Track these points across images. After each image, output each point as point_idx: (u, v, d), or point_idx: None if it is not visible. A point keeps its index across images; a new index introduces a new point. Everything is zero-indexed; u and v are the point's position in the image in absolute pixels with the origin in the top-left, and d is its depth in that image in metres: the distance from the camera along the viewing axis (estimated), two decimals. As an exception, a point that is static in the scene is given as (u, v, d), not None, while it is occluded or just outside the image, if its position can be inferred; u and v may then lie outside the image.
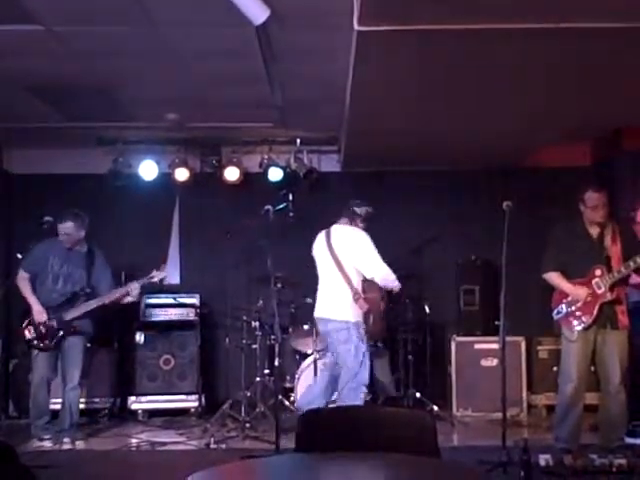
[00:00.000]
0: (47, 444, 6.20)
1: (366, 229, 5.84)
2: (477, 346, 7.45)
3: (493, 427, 6.27)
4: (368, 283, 5.71)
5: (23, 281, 6.29)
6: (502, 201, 5.28)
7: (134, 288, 6.37)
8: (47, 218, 6.33)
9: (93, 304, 6.29)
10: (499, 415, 5.42)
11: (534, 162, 7.96)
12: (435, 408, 7.04)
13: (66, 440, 6.26)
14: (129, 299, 6.43)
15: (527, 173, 8.05)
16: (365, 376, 5.66)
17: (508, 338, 5.51)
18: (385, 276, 5.72)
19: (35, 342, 6.22)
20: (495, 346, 7.09)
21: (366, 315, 5.63)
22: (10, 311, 7.67)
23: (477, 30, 4.48)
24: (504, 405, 5.25)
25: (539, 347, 7.46)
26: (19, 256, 6.26)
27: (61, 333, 6.23)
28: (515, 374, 7.13)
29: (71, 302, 6.29)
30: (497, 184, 7.76)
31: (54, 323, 6.21)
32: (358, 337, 5.63)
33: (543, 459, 4.95)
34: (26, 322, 6.23)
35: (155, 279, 6.47)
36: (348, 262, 5.72)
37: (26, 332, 6.21)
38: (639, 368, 6.01)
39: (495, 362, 7.21)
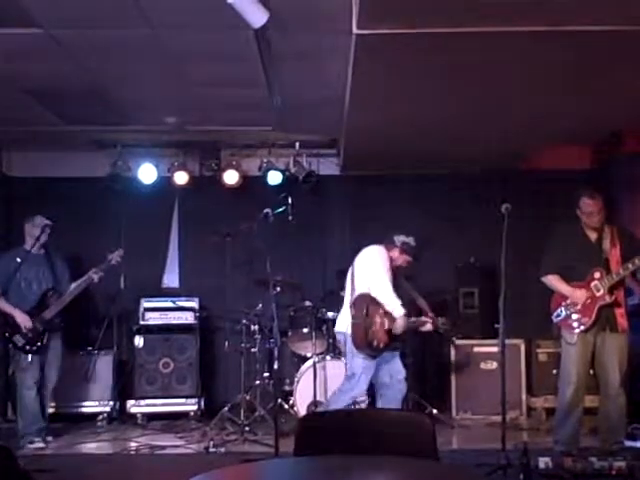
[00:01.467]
0: (41, 444, 6.25)
1: (409, 262, 5.89)
2: (476, 349, 7.45)
3: (492, 430, 6.27)
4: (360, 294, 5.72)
5: None
6: (501, 204, 5.29)
7: (96, 276, 6.59)
8: (47, 222, 6.37)
9: (67, 299, 6.49)
10: (498, 418, 5.42)
11: (533, 164, 7.97)
12: (434, 411, 7.03)
13: (37, 439, 6.31)
14: (94, 281, 6.65)
15: (527, 175, 8.05)
16: (357, 389, 5.69)
17: (507, 341, 5.52)
18: (383, 297, 5.64)
19: (28, 347, 6.29)
20: (494, 349, 7.11)
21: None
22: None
23: (476, 33, 4.49)
24: (503, 408, 5.25)
25: (538, 350, 7.46)
26: (18, 260, 6.26)
27: (46, 332, 6.39)
28: (514, 377, 7.13)
29: (44, 301, 6.45)
30: (496, 187, 7.76)
31: (38, 325, 6.33)
32: (351, 348, 5.68)
33: (543, 462, 4.95)
34: (9, 332, 6.29)
35: (113, 261, 6.70)
36: (359, 277, 5.77)
37: (15, 340, 6.28)
38: (638, 371, 6.02)
39: (494, 365, 7.21)
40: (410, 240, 5.87)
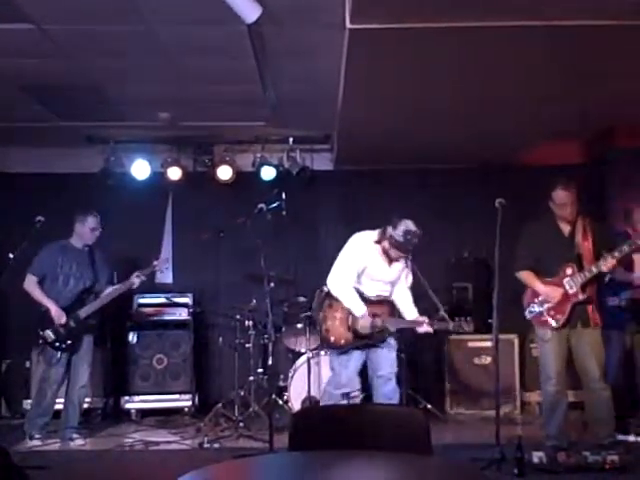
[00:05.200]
0: (37, 442, 6.23)
1: (400, 256, 5.37)
2: (470, 344, 7.46)
3: (486, 424, 6.28)
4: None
5: (33, 285, 6.29)
6: (495, 198, 5.29)
7: (138, 280, 6.43)
8: (39, 218, 6.32)
9: (104, 300, 6.37)
10: (492, 412, 5.44)
11: (528, 160, 7.96)
12: (428, 406, 7.05)
13: (76, 436, 6.34)
14: (134, 286, 6.52)
15: (521, 171, 8.04)
16: (335, 384, 5.51)
17: (501, 336, 5.52)
18: (334, 290, 5.35)
19: (58, 344, 6.22)
20: (488, 344, 7.12)
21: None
22: (4, 311, 7.65)
23: (470, 28, 4.48)
24: (497, 402, 5.27)
25: (532, 345, 7.44)
26: (10, 255, 6.23)
27: (79, 332, 6.30)
28: (508, 372, 7.16)
29: (81, 300, 6.34)
30: (491, 181, 7.76)
31: (72, 323, 6.24)
32: None
33: (536, 456, 4.97)
34: (42, 325, 6.21)
35: (157, 269, 6.69)
36: None
37: (46, 335, 6.20)
38: (631, 365, 6.05)
39: (488, 360, 7.23)
40: (398, 234, 5.23)
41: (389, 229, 5.27)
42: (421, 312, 5.59)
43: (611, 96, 5.95)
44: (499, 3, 4.19)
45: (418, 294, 5.66)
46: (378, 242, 5.38)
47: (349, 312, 5.36)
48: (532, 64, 5.23)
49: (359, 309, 5.32)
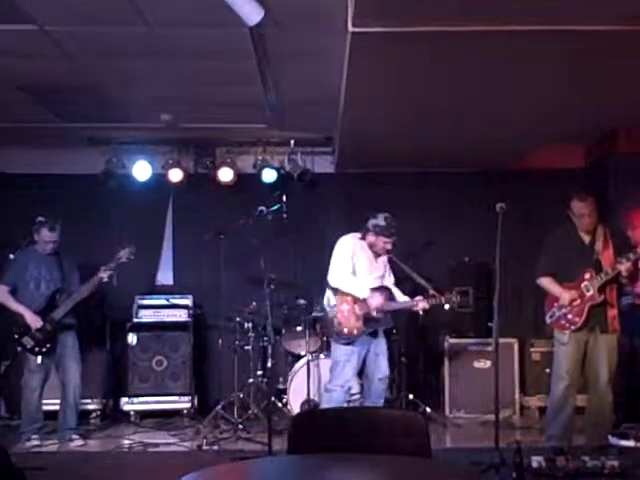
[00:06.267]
0: (36, 442, 6.23)
1: (386, 242, 5.76)
2: (470, 348, 7.46)
3: (486, 429, 6.28)
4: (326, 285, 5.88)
5: (5, 295, 6.29)
6: (496, 203, 5.30)
7: (106, 274, 6.37)
8: (40, 219, 6.33)
9: (77, 298, 6.35)
10: (492, 417, 5.43)
11: (529, 164, 7.96)
12: (428, 409, 7.04)
13: (75, 437, 6.35)
14: (104, 280, 6.42)
15: (522, 175, 8.05)
16: (341, 378, 5.71)
17: (501, 340, 5.53)
18: (338, 284, 5.72)
19: (37, 349, 6.22)
20: (488, 348, 7.12)
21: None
22: (3, 312, 7.63)
23: (473, 32, 4.49)
24: (497, 407, 5.26)
25: (532, 349, 7.47)
26: (11, 256, 6.24)
27: (56, 334, 6.29)
28: (508, 376, 7.15)
29: (53, 302, 6.34)
30: (492, 185, 7.76)
31: (48, 326, 6.24)
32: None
33: (535, 461, 4.96)
34: (18, 333, 6.22)
35: (123, 259, 6.46)
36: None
37: (24, 341, 6.21)
38: (633, 370, 6.05)
39: (488, 364, 7.22)
40: (379, 220, 5.72)
41: (370, 222, 5.77)
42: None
43: (614, 100, 5.94)
44: (502, 7, 4.19)
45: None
46: (362, 238, 5.83)
47: (354, 302, 5.70)
48: (534, 67, 5.23)
49: (362, 291, 5.70)
